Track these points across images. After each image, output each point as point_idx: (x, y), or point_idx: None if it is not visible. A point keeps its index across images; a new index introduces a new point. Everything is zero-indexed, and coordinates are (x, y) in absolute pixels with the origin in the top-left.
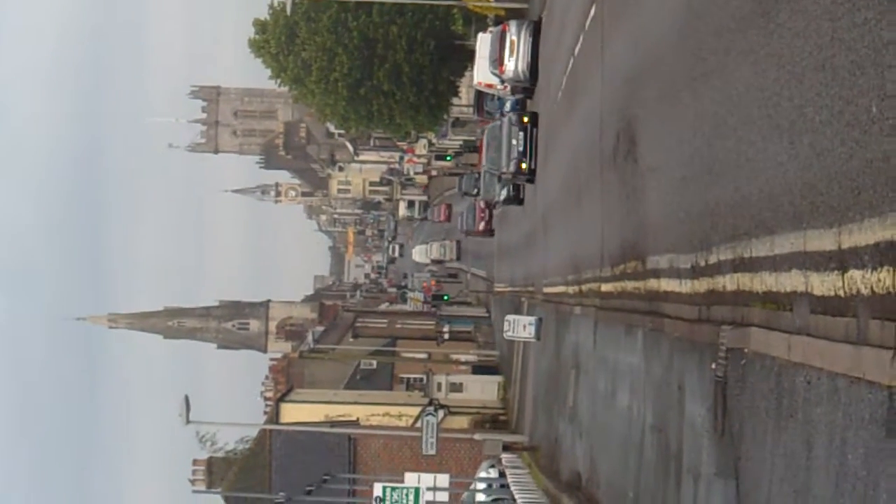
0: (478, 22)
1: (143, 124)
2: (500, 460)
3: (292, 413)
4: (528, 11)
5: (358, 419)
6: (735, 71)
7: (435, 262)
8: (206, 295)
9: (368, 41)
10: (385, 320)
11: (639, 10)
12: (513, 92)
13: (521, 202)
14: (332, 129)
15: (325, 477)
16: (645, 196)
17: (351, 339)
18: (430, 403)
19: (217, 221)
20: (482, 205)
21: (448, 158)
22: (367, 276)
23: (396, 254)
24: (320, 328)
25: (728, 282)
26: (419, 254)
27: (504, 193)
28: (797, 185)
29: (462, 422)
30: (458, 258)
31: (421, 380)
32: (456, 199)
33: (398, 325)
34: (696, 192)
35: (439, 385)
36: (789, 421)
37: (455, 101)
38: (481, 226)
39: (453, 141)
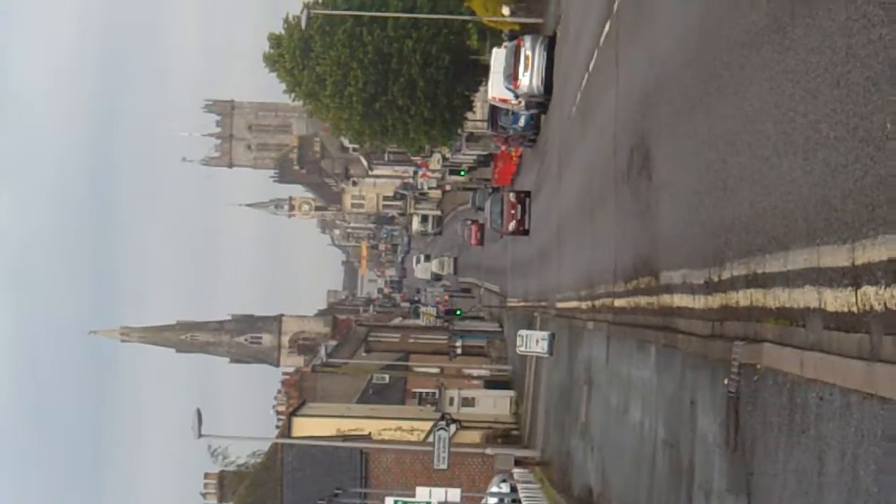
0: (492, 37)
1: (157, 138)
2: (511, 475)
3: (304, 427)
4: (542, 26)
5: (370, 433)
6: (749, 87)
7: (435, 276)
8: (219, 309)
9: (383, 56)
10: (398, 335)
11: (653, 27)
12: (527, 107)
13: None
14: (346, 143)
15: (337, 491)
16: (659, 211)
17: (364, 354)
18: (443, 418)
19: (230, 235)
20: (512, 197)
21: (462, 173)
22: (380, 290)
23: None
24: (333, 342)
25: (741, 297)
26: (421, 271)
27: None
28: (811, 201)
29: (474, 436)
30: (456, 272)
31: (433, 394)
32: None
33: (411, 340)
34: (709, 208)
35: (451, 400)
36: (801, 436)
37: (469, 115)
38: (512, 225)
39: (467, 156)
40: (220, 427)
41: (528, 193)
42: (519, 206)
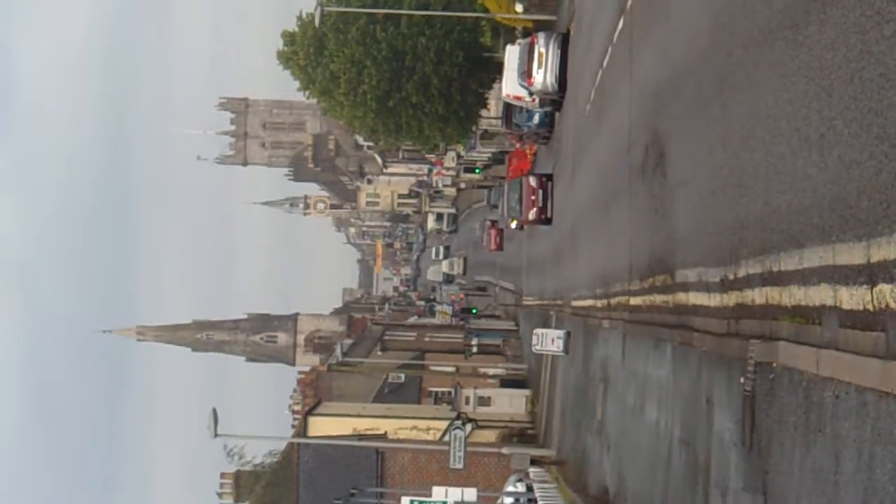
0: (506, 34)
1: (172, 136)
2: (527, 474)
3: (320, 426)
4: (556, 23)
5: (386, 433)
6: (763, 83)
7: (446, 277)
8: (235, 308)
9: (397, 53)
10: (413, 333)
11: (667, 23)
12: (541, 104)
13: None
14: (360, 141)
15: (353, 491)
16: (674, 209)
17: (379, 353)
18: (458, 417)
19: (246, 234)
20: (532, 182)
21: (477, 171)
22: (395, 289)
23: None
24: (348, 341)
25: (757, 295)
26: (432, 273)
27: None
28: (826, 198)
29: (490, 435)
30: (465, 273)
31: (449, 393)
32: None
33: (426, 339)
34: (724, 206)
35: (467, 399)
36: (817, 435)
37: (483, 113)
38: (533, 213)
39: (482, 153)
40: (235, 426)
41: (549, 177)
42: (540, 192)
